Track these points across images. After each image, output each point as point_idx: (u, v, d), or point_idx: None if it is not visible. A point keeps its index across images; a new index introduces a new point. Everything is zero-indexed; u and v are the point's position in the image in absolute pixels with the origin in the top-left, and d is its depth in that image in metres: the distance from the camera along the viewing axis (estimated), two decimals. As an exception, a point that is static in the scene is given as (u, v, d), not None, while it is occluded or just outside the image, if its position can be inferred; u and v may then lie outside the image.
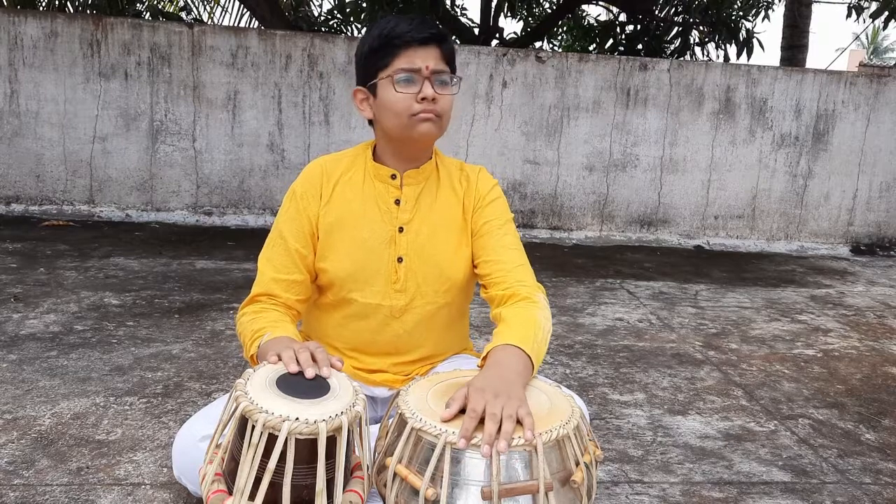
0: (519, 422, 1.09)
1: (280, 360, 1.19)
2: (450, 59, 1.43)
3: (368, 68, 1.42)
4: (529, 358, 1.26)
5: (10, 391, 2.07)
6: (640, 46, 7.29)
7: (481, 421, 1.09)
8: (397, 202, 1.49)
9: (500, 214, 1.53)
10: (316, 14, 8.41)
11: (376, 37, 1.40)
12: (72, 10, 7.44)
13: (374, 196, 1.49)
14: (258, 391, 1.10)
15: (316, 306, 1.58)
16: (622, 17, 7.80)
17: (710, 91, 5.28)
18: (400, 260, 1.49)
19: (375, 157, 1.52)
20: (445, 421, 1.12)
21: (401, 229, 1.48)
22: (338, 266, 1.48)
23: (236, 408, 1.08)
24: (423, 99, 1.37)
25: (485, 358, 1.27)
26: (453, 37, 7.33)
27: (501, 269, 1.46)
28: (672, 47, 7.38)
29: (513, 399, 1.11)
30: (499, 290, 1.45)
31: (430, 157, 1.53)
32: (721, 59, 7.33)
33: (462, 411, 1.14)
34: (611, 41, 7.70)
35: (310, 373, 1.15)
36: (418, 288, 1.50)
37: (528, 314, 1.36)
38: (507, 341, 1.27)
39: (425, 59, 1.38)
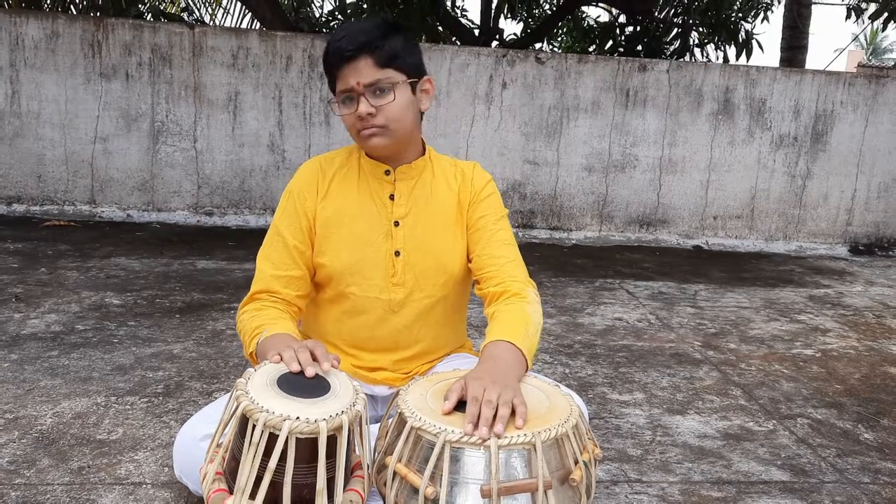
0: (513, 411, 1.13)
1: (281, 359, 1.20)
2: (389, 59, 1.39)
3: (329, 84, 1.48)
4: (521, 351, 1.30)
5: (12, 391, 2.08)
6: (639, 47, 7.28)
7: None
8: (392, 197, 1.51)
9: (495, 210, 1.56)
10: (317, 15, 8.42)
11: (325, 52, 1.43)
12: (74, 12, 7.44)
13: (369, 191, 1.52)
14: (259, 390, 1.11)
15: (314, 303, 1.60)
16: (622, 19, 7.80)
17: (709, 92, 5.29)
18: (397, 254, 1.50)
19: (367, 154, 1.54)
20: (446, 413, 1.14)
21: (396, 223, 1.51)
22: (335, 260, 1.50)
23: (237, 407, 1.09)
24: (359, 117, 1.40)
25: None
26: (454, 38, 7.33)
27: (494, 264, 1.49)
28: (671, 48, 7.39)
29: (508, 388, 1.16)
30: (491, 286, 1.47)
31: (423, 153, 1.56)
32: (720, 61, 7.34)
33: (460, 406, 1.16)
34: (610, 42, 7.70)
35: (310, 371, 1.16)
36: (416, 281, 1.52)
37: (517, 309, 1.40)
38: (498, 337, 1.32)
39: (356, 74, 1.38)
